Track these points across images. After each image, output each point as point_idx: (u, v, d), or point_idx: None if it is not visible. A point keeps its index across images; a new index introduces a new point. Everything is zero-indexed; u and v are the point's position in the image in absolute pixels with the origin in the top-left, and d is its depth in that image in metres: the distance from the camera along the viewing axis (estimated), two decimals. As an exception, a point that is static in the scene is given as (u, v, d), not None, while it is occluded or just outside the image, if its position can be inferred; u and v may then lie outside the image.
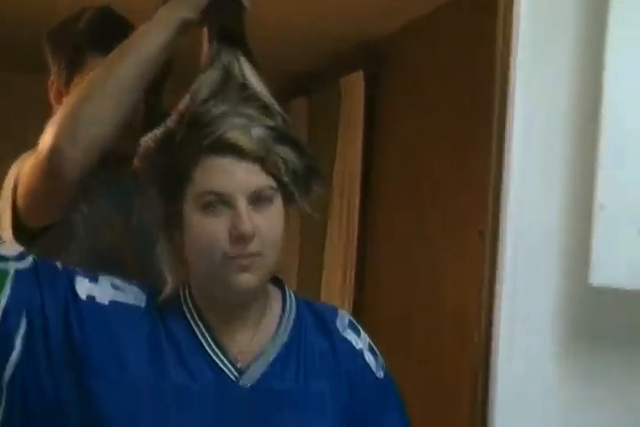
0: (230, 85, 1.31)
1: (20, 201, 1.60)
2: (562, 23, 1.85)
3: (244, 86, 1.32)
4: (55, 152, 1.43)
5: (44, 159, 1.46)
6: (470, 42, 3.26)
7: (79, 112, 1.44)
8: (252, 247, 1.26)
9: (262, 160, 1.28)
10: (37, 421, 1.26)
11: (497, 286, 1.97)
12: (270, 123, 1.30)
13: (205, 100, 1.29)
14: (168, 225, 1.32)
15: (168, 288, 1.32)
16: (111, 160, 1.73)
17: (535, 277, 1.95)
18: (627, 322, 2.00)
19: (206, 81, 1.32)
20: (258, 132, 1.28)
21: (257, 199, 1.28)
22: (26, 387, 1.25)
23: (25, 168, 1.58)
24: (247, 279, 1.27)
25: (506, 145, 1.84)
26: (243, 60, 1.36)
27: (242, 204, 1.26)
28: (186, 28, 1.47)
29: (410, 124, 3.93)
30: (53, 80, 1.77)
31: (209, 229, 1.26)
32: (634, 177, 1.75)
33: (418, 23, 3.73)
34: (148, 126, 1.65)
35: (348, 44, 4.35)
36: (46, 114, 1.71)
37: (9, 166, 1.71)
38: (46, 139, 1.46)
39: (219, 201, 1.26)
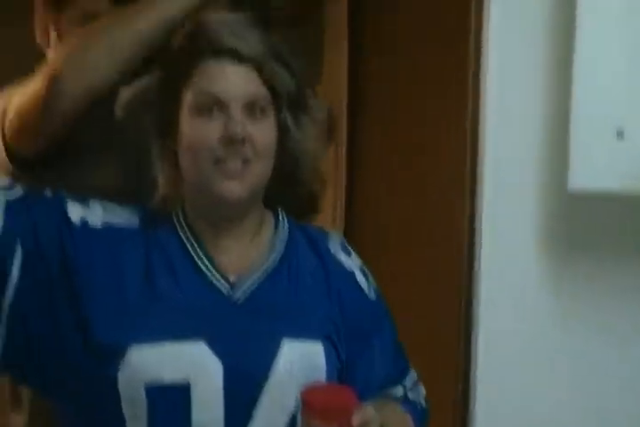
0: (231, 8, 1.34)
1: (7, 129, 1.60)
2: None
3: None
4: (55, 78, 1.42)
5: (42, 86, 1.45)
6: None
7: (91, 47, 1.43)
8: (243, 152, 1.27)
9: (260, 67, 1.29)
10: (37, 350, 1.27)
11: (477, 200, 1.99)
12: (269, 40, 1.32)
13: (206, 17, 1.32)
14: (163, 133, 1.32)
15: (159, 194, 1.33)
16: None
17: (515, 186, 1.97)
18: (605, 227, 2.02)
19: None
20: (257, 44, 1.30)
21: (251, 108, 1.28)
22: (26, 317, 1.26)
23: (17, 95, 1.58)
24: (234, 187, 1.27)
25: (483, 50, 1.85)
26: None
27: (236, 108, 1.27)
28: None
29: (394, 53, 3.88)
30: (41, 17, 1.76)
31: (201, 131, 1.27)
32: (608, 80, 1.76)
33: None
34: None
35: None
36: (28, 54, 1.69)
37: None
38: (50, 65, 1.46)
39: (213, 104, 1.27)
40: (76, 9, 1.66)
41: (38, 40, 1.79)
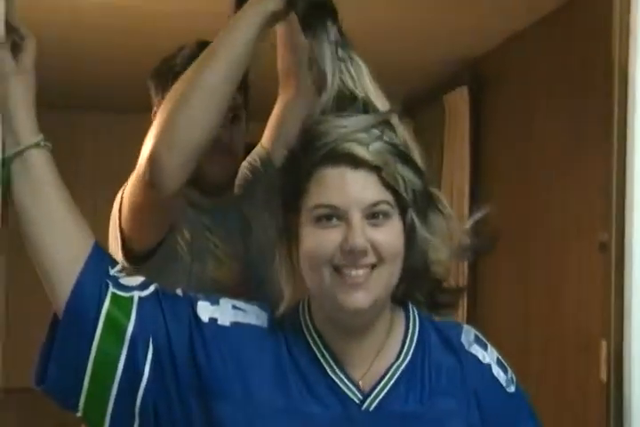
0: (347, 100, 1.30)
1: (124, 225, 1.65)
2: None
3: (361, 99, 1.30)
4: (153, 159, 1.42)
5: (144, 169, 1.46)
6: (565, 53, 3.38)
7: (172, 117, 1.42)
8: (366, 261, 1.23)
9: (379, 171, 1.24)
10: None
11: (625, 304, 1.88)
12: (391, 139, 1.27)
13: (324, 115, 1.29)
14: (285, 240, 1.30)
15: (283, 305, 1.30)
16: (210, 188, 1.78)
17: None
18: None
19: (323, 99, 1.31)
20: (376, 146, 1.25)
21: (373, 214, 1.24)
22: (158, 412, 1.26)
23: (126, 191, 1.62)
24: (357, 298, 1.23)
25: (628, 150, 1.77)
26: (345, 56, 1.34)
27: (356, 217, 1.23)
28: (271, 22, 1.46)
29: (516, 139, 3.87)
30: (155, 112, 1.81)
31: (320, 241, 1.23)
32: None
33: (515, 39, 3.86)
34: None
35: (448, 63, 4.34)
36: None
37: (111, 205, 1.76)
38: (144, 149, 1.46)
39: (332, 214, 1.24)
40: None
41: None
